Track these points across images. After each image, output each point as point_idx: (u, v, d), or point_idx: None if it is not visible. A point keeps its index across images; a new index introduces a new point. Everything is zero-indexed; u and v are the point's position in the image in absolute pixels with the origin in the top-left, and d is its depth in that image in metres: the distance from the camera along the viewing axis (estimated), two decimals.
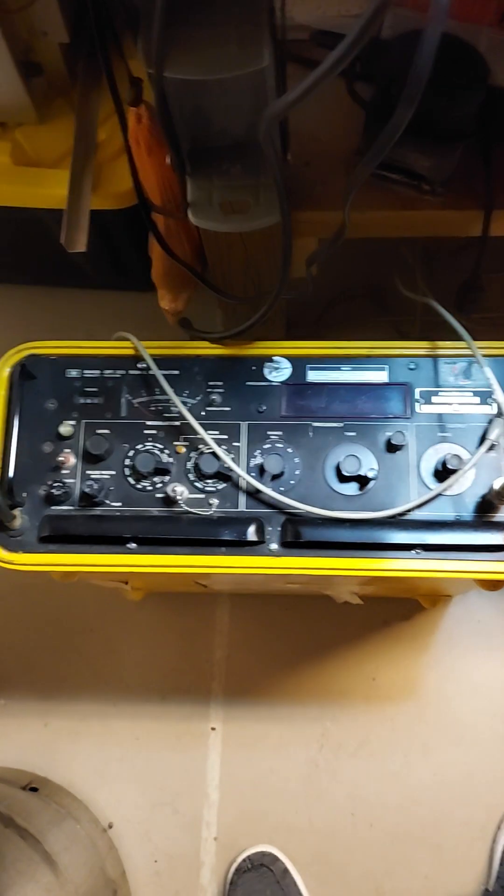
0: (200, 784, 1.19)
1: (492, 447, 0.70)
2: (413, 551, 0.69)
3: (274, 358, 0.75)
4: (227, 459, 0.70)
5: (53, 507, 0.72)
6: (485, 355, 0.71)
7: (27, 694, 1.24)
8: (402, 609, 1.23)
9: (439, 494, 0.70)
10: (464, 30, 0.78)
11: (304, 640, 1.23)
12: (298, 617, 1.24)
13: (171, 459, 0.73)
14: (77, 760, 1.21)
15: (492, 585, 0.73)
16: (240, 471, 0.70)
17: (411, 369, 0.74)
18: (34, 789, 1.12)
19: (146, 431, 0.74)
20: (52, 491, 0.72)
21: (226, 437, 0.73)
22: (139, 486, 0.72)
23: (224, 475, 0.72)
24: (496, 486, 0.68)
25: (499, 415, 0.70)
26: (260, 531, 0.70)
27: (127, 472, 0.72)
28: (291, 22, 0.87)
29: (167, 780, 1.20)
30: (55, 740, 1.22)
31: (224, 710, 1.21)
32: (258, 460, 0.72)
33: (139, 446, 0.73)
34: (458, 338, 0.72)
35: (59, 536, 0.71)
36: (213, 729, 1.21)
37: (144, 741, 1.21)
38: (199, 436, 0.71)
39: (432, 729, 1.20)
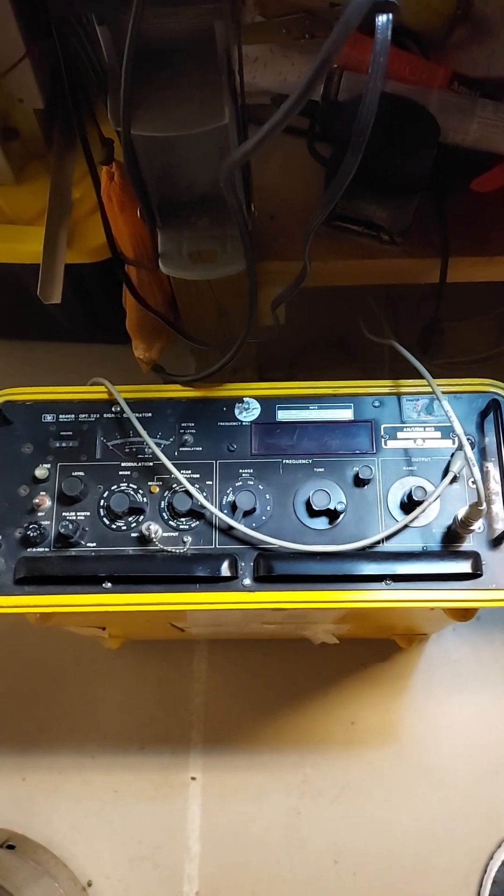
0: (181, 836, 1.17)
1: (455, 479, 0.73)
2: (383, 582, 0.70)
3: (244, 399, 0.77)
4: (200, 497, 0.72)
5: (29, 549, 0.73)
6: (444, 392, 0.74)
7: (4, 747, 1.22)
8: (378, 651, 1.23)
9: (406, 526, 0.72)
10: (416, 93, 0.84)
11: (283, 685, 1.23)
12: (276, 661, 1.24)
13: (145, 499, 0.74)
14: (55, 816, 1.18)
15: (462, 615, 0.75)
16: (212, 508, 0.72)
17: (376, 407, 0.77)
18: (11, 847, 1.09)
19: (121, 472, 0.75)
20: (28, 533, 0.73)
21: (198, 475, 0.75)
22: (114, 526, 0.74)
23: (197, 513, 0.73)
24: (460, 516, 0.70)
25: (459, 448, 0.73)
26: (233, 567, 0.71)
27: (102, 512, 0.74)
28: (255, 87, 0.93)
29: (147, 834, 1.17)
30: (33, 795, 1.19)
31: (203, 759, 1.20)
32: (230, 497, 0.74)
33: (114, 487, 0.74)
34: (420, 377, 0.75)
35: (35, 578, 0.72)
36: (192, 778, 1.19)
37: (123, 793, 1.19)
38: (172, 475, 0.73)
39: (412, 772, 1.19)
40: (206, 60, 0.57)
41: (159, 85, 0.56)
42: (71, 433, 0.77)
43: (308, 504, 0.73)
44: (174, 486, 0.74)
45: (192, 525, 0.73)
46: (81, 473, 0.75)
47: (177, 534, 0.73)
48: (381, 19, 0.38)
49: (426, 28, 0.93)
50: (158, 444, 0.75)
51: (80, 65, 0.64)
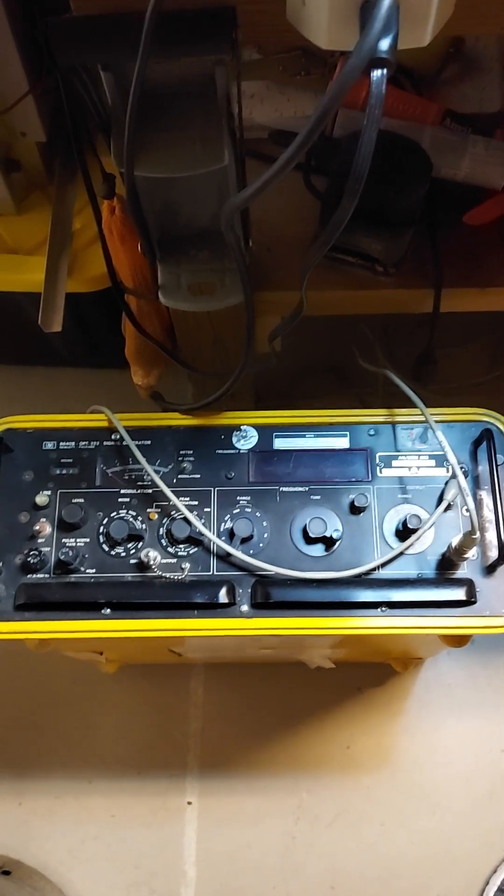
0: (177, 861, 1.17)
1: (449, 507, 0.74)
2: (378, 609, 0.71)
3: (241, 427, 0.79)
4: (199, 524, 0.73)
5: (29, 576, 0.74)
6: (437, 421, 0.76)
7: (0, 772, 1.22)
8: (374, 675, 1.24)
9: (401, 553, 0.73)
10: (409, 129, 0.86)
11: (279, 710, 1.23)
12: (272, 686, 1.24)
13: (144, 526, 0.75)
14: (52, 840, 1.18)
15: (456, 641, 0.76)
16: (210, 535, 0.73)
17: (371, 435, 0.78)
18: (6, 872, 1.09)
19: (120, 499, 0.76)
20: (28, 559, 0.74)
21: (196, 503, 0.76)
22: (113, 553, 0.75)
23: (195, 540, 0.74)
24: (454, 543, 0.71)
25: (453, 476, 0.74)
26: (231, 593, 0.72)
27: (101, 539, 0.75)
28: (252, 123, 0.95)
29: (143, 859, 1.17)
30: (29, 820, 1.19)
31: (200, 784, 1.20)
32: (228, 524, 0.75)
33: (113, 514, 0.76)
34: (414, 405, 0.77)
35: (34, 604, 0.72)
36: (189, 803, 1.19)
37: (120, 818, 1.19)
38: (170, 502, 0.74)
39: (408, 796, 1.19)
40: (207, 104, 0.59)
41: (161, 127, 0.58)
42: (71, 460, 0.78)
43: (305, 531, 0.74)
44: (173, 513, 0.75)
45: (191, 552, 0.74)
46: (81, 500, 0.76)
47: (175, 560, 0.74)
48: (376, 74, 0.40)
49: (419, 65, 0.96)
50: (157, 472, 0.76)
51: (82, 104, 0.66)
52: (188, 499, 0.76)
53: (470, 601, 0.71)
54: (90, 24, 0.49)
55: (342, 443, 0.78)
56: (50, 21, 0.48)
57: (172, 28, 0.48)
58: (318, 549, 0.74)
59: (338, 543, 0.74)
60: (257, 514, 0.75)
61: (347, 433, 0.78)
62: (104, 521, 0.75)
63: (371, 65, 0.40)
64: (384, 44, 0.39)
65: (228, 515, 0.75)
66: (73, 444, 0.78)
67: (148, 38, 0.45)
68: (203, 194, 0.64)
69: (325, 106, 0.36)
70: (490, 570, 0.73)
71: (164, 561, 0.74)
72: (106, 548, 0.75)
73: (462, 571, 0.73)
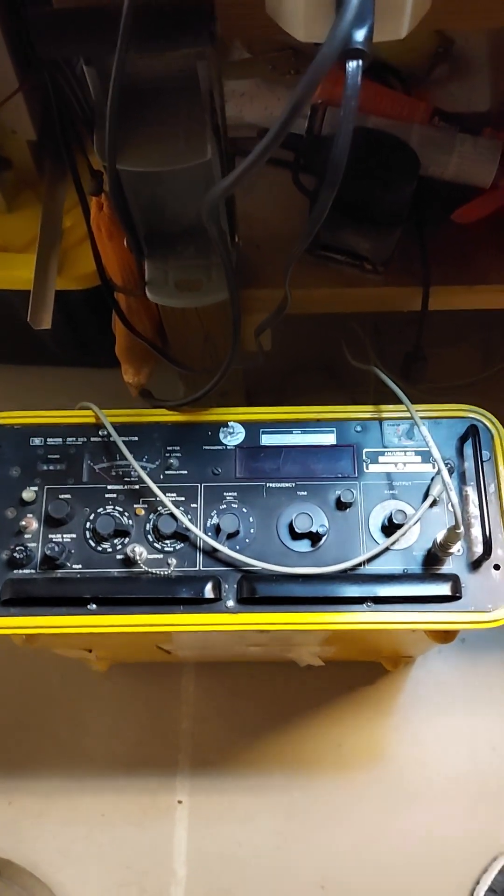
0: (167, 860, 1.16)
1: (434, 502, 0.74)
2: (364, 604, 0.71)
3: (229, 423, 0.79)
4: (185, 520, 0.73)
5: (15, 571, 0.74)
6: (423, 417, 0.76)
7: None
8: (365, 673, 1.24)
9: (387, 549, 0.73)
10: (397, 127, 0.87)
11: (270, 708, 1.23)
12: (264, 684, 1.24)
13: (130, 521, 0.75)
14: (41, 840, 1.18)
15: (442, 637, 0.76)
16: (197, 531, 0.73)
17: (358, 431, 0.78)
18: None
19: (107, 495, 0.76)
20: (15, 555, 0.74)
21: (183, 498, 0.76)
22: (99, 548, 0.75)
23: (182, 535, 0.74)
24: (438, 539, 0.72)
25: (438, 472, 0.74)
26: (217, 588, 0.72)
27: (88, 534, 0.75)
28: (242, 121, 0.95)
29: (133, 858, 1.17)
30: (19, 820, 1.19)
31: (190, 783, 1.20)
32: (214, 520, 0.75)
33: (100, 510, 0.76)
34: (401, 402, 0.77)
35: (20, 599, 0.72)
36: (179, 802, 1.19)
37: (110, 817, 1.19)
38: (157, 498, 0.74)
39: (399, 795, 1.19)
40: (191, 98, 0.59)
41: (145, 121, 0.58)
42: (58, 456, 0.78)
43: (291, 527, 0.74)
44: (159, 508, 0.75)
45: (177, 547, 0.75)
46: (68, 496, 0.76)
47: (161, 556, 0.74)
48: (351, 65, 0.40)
49: (408, 65, 0.97)
50: (144, 468, 0.76)
51: (69, 100, 0.66)
52: (175, 495, 0.76)
53: (455, 596, 0.71)
54: (71, 16, 0.49)
55: (329, 439, 0.78)
56: (31, 13, 0.48)
57: (152, 21, 0.48)
58: (304, 545, 0.74)
59: (324, 539, 0.74)
60: (244, 509, 0.75)
61: (334, 429, 0.79)
62: (91, 517, 0.75)
63: (346, 56, 0.40)
64: (359, 35, 0.40)
65: (215, 511, 0.75)
66: (60, 440, 0.79)
67: (126, 30, 0.45)
68: (187, 189, 0.64)
69: (300, 94, 0.36)
70: (475, 565, 0.73)
71: (151, 556, 0.74)
72: (92, 543, 0.75)
73: (447, 567, 0.73)
